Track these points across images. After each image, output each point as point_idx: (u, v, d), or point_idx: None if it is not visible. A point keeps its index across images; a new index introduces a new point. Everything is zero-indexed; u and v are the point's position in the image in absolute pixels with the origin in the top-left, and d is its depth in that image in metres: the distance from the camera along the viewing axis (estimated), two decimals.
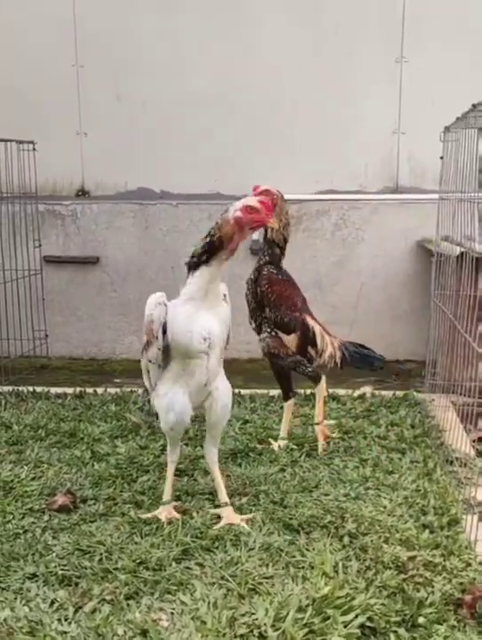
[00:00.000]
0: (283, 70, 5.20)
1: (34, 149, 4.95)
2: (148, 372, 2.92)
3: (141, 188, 5.39)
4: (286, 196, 5.19)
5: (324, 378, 3.68)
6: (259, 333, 3.61)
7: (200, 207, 5.34)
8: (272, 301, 3.52)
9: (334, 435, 3.79)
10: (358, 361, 3.71)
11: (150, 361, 2.85)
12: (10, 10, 5.28)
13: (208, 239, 2.74)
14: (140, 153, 5.30)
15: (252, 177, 5.27)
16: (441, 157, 3.86)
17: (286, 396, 3.74)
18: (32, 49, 5.26)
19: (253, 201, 2.76)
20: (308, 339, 3.60)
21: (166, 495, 2.99)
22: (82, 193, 5.46)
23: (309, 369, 3.61)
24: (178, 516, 2.93)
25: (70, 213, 5.42)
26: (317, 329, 3.64)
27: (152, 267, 5.41)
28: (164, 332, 2.76)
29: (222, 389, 2.96)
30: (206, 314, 2.74)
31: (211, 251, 2.71)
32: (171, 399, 2.85)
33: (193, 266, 2.74)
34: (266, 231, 3.52)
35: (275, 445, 3.66)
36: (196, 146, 5.26)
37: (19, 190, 5.05)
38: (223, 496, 2.99)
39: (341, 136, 5.21)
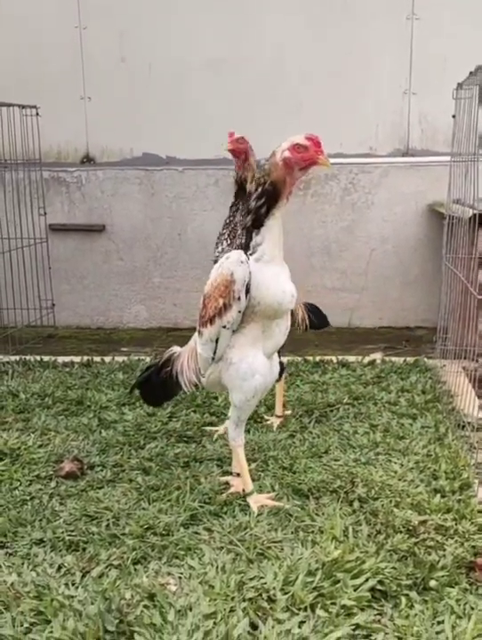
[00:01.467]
0: (290, 30, 5.06)
1: (37, 114, 4.86)
2: (213, 341, 2.68)
3: (147, 153, 5.30)
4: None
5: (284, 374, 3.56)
6: None
7: (207, 172, 5.25)
8: None
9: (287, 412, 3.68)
10: (319, 321, 3.68)
11: (225, 326, 2.63)
12: None
13: (260, 189, 2.51)
14: (145, 118, 5.20)
15: (259, 141, 5.17)
16: (453, 116, 3.74)
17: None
18: (33, 11, 5.14)
19: (299, 138, 2.53)
20: None
21: (248, 485, 2.77)
22: (87, 159, 5.37)
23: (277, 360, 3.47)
24: (276, 503, 2.73)
25: (75, 180, 5.34)
26: None
27: (159, 234, 5.34)
28: (246, 292, 2.54)
29: (276, 361, 2.82)
30: (284, 270, 2.60)
31: (269, 201, 2.49)
32: (251, 362, 2.65)
33: (256, 224, 2.52)
34: (242, 183, 3.36)
35: (271, 421, 3.57)
36: (202, 110, 5.15)
37: (22, 157, 4.97)
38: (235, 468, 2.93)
39: (349, 97, 5.08)
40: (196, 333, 2.81)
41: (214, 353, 2.72)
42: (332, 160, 5.29)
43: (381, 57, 5.04)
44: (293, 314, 3.41)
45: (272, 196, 2.50)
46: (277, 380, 3.39)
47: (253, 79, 5.12)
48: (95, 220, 5.39)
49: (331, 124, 5.10)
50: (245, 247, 2.59)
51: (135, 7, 5.11)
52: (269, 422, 3.55)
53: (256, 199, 2.52)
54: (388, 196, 5.14)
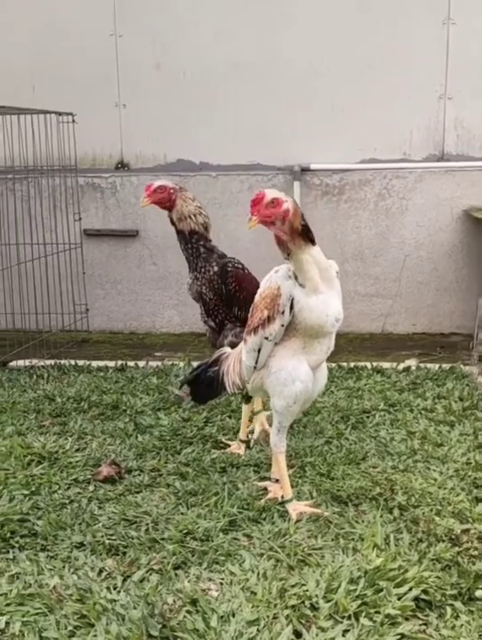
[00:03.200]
0: (324, 36, 5.05)
1: (73, 121, 4.91)
2: (256, 350, 2.72)
3: (181, 159, 5.32)
4: (328, 166, 5.16)
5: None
6: (219, 331, 3.35)
7: (240, 178, 5.25)
8: (242, 300, 3.24)
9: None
10: None
11: (267, 338, 2.67)
12: None
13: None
14: (179, 124, 5.22)
15: (293, 147, 5.20)
16: None
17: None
18: (70, 19, 5.20)
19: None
20: None
21: (287, 493, 2.76)
22: (121, 165, 5.41)
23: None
24: (315, 510, 2.70)
25: (110, 186, 5.38)
26: None
27: None
28: (291, 308, 2.59)
29: (324, 371, 2.85)
30: (332, 294, 2.63)
31: (280, 246, 2.57)
32: (292, 370, 2.67)
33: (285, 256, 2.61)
34: (175, 226, 3.29)
35: (234, 448, 3.31)
36: (235, 116, 5.16)
37: (59, 163, 5.03)
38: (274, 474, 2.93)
39: (384, 103, 5.06)
40: (243, 339, 2.84)
41: (256, 362, 2.76)
42: (366, 165, 5.31)
43: (416, 61, 5.01)
44: None
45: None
46: (247, 403, 3.33)
47: (287, 84, 5.12)
48: (129, 226, 5.43)
49: (365, 128, 5.09)
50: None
51: (170, 15, 5.14)
52: (229, 449, 3.29)
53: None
54: (422, 202, 5.11)
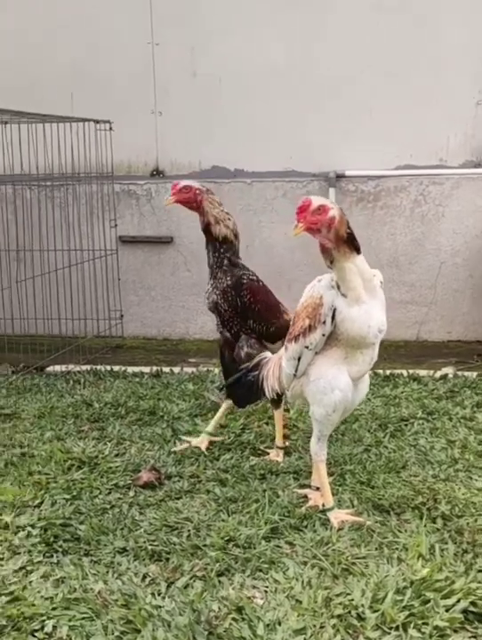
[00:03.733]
0: (360, 42, 5.04)
1: (110, 129, 4.95)
2: (296, 359, 2.72)
3: (215, 166, 5.34)
4: (363, 172, 5.14)
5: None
6: (235, 342, 3.30)
7: (275, 185, 5.26)
8: (257, 313, 3.24)
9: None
10: None
11: (307, 347, 2.67)
12: None
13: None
14: (214, 131, 5.24)
15: (328, 154, 5.19)
16: None
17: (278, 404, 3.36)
18: (108, 28, 5.26)
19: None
20: None
21: (329, 501, 2.75)
22: (156, 172, 5.45)
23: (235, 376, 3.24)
24: (357, 519, 2.68)
25: (145, 193, 5.42)
26: None
27: None
28: (332, 317, 2.59)
29: (366, 381, 2.85)
30: (375, 304, 2.62)
31: (324, 254, 2.57)
32: (332, 379, 2.66)
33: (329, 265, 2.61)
34: (207, 228, 3.24)
35: (272, 454, 3.29)
36: (270, 122, 5.17)
37: (96, 170, 5.08)
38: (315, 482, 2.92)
39: (420, 108, 5.03)
40: (283, 346, 2.84)
41: (296, 370, 2.76)
42: (401, 172, 5.28)
43: (453, 67, 4.98)
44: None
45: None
46: (276, 408, 3.32)
47: (323, 90, 5.11)
48: (164, 232, 5.46)
49: (401, 134, 5.06)
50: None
51: (206, 23, 5.17)
52: (268, 457, 3.27)
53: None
54: (459, 208, 5.06)
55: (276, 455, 3.29)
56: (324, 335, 2.64)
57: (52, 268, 4.97)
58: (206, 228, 3.26)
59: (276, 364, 2.94)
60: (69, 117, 4.73)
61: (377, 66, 5.05)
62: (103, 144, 4.99)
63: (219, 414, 3.47)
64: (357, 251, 2.55)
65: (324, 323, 2.61)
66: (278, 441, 3.35)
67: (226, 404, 3.45)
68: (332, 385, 2.68)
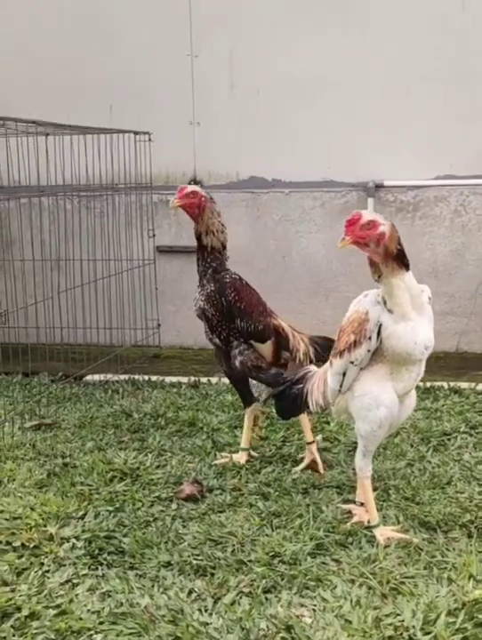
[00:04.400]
0: (399, 51, 5.00)
1: (149, 140, 4.98)
2: (341, 374, 2.70)
3: (253, 176, 5.33)
4: (402, 182, 5.10)
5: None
6: (226, 347, 3.29)
7: (313, 195, 5.24)
8: (243, 310, 3.21)
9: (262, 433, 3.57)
10: (329, 354, 3.21)
11: (352, 362, 2.66)
12: (126, 1, 5.34)
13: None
14: (252, 141, 5.24)
15: (367, 164, 5.15)
16: None
17: (248, 403, 3.39)
18: (147, 40, 5.29)
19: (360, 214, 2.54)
20: (281, 342, 3.30)
21: (374, 518, 2.72)
22: (194, 182, 5.45)
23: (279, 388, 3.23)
24: (404, 536, 2.64)
25: None
26: (287, 328, 3.34)
27: (263, 257, 5.36)
28: (378, 334, 2.57)
29: (413, 397, 2.83)
30: (422, 321, 2.59)
31: (372, 268, 2.55)
32: (377, 394, 2.64)
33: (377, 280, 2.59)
34: (197, 236, 3.23)
35: (237, 457, 3.34)
36: (308, 132, 5.15)
37: (134, 181, 5.11)
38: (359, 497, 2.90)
39: (460, 118, 4.97)
40: (329, 361, 2.82)
41: (341, 386, 2.74)
42: (441, 182, 5.23)
43: None
44: (293, 349, 3.32)
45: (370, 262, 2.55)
46: (247, 406, 3.34)
47: (361, 100, 5.08)
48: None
49: (440, 144, 5.01)
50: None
51: (245, 34, 5.18)
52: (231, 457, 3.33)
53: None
54: None
55: (240, 457, 3.32)
56: (369, 351, 2.62)
57: (91, 279, 5.00)
58: (198, 237, 3.26)
59: (321, 379, 2.92)
60: (109, 129, 4.76)
61: (416, 76, 5.01)
62: (142, 155, 5.01)
63: (246, 427, 3.40)
64: (406, 267, 2.52)
65: (369, 338, 2.59)
66: (245, 443, 3.37)
67: (248, 415, 3.40)
68: (377, 401, 2.66)
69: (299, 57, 5.13)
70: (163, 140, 5.14)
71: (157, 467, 3.33)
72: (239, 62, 5.22)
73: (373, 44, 5.04)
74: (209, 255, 3.24)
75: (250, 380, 3.34)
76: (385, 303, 2.56)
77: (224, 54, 5.21)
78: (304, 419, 3.33)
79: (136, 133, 4.92)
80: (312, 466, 3.28)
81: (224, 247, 3.29)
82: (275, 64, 5.16)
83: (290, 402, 3.05)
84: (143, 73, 5.30)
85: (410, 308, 2.55)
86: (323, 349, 3.36)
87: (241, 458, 3.35)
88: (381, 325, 2.56)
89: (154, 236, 5.26)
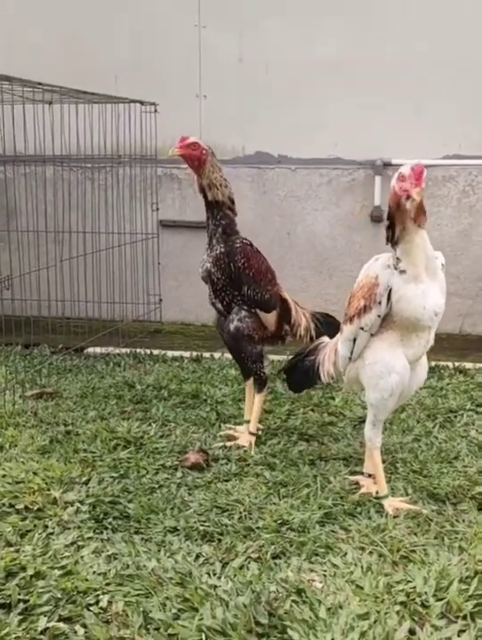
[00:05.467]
0: (409, 30, 4.93)
1: (155, 111, 4.91)
2: (351, 340, 2.66)
3: (259, 151, 5.27)
4: (410, 161, 5.03)
5: (266, 388, 3.31)
6: (227, 313, 3.19)
7: (319, 172, 5.18)
8: (251, 277, 3.11)
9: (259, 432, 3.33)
10: (330, 331, 3.18)
11: (362, 328, 2.62)
12: None
13: (387, 216, 2.52)
14: (259, 116, 5.17)
15: (375, 142, 5.09)
16: None
17: (248, 375, 3.29)
18: (154, 9, 5.20)
19: (405, 167, 2.47)
20: (285, 315, 3.25)
21: (383, 489, 2.70)
22: None
23: (264, 371, 3.22)
24: (413, 507, 2.61)
25: (187, 177, 5.35)
26: (291, 303, 3.28)
27: (268, 233, 5.30)
28: (388, 299, 2.53)
29: (424, 366, 2.79)
30: (433, 286, 2.54)
31: (390, 226, 2.49)
32: (389, 361, 2.60)
33: (391, 242, 2.52)
34: (203, 191, 3.12)
35: (243, 442, 3.16)
36: (316, 109, 5.08)
37: (139, 153, 5.03)
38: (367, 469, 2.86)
39: (469, 98, 4.91)
40: (340, 330, 2.78)
41: (351, 352, 2.69)
42: (449, 161, 5.18)
43: None
44: (295, 324, 3.26)
45: (390, 222, 2.50)
46: (258, 392, 3.23)
47: (370, 79, 5.01)
48: (204, 217, 5.37)
49: (449, 124, 4.96)
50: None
51: (255, 7, 5.09)
52: (234, 443, 3.16)
53: (386, 219, 2.53)
54: None
55: (246, 442, 3.16)
56: (379, 316, 2.58)
57: (93, 250, 4.94)
58: (203, 192, 3.15)
59: (332, 349, 2.88)
60: (115, 97, 4.68)
61: (427, 55, 4.94)
62: (147, 127, 4.94)
63: (256, 410, 3.25)
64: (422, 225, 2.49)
65: (379, 303, 2.55)
66: (253, 426, 3.22)
67: (259, 398, 3.26)
68: (388, 368, 2.62)
69: (309, 34, 5.05)
70: (168, 113, 5.06)
71: (161, 436, 3.29)
72: (248, 35, 5.14)
73: (384, 22, 4.97)
74: (218, 212, 3.14)
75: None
76: (398, 263, 2.51)
77: (233, 26, 5.13)
78: (257, 406, 3.23)
79: (142, 103, 4.85)
80: (231, 438, 3.21)
81: (232, 202, 3.17)
82: (285, 40, 5.08)
83: (302, 374, 3.01)
84: (149, 43, 5.22)
85: (424, 270, 2.51)
86: (324, 326, 3.32)
87: (246, 441, 3.17)
88: (391, 289, 2.52)
89: (157, 209, 5.20)
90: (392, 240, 2.52)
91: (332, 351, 2.87)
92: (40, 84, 3.86)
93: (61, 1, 5.33)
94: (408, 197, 2.43)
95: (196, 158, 3.12)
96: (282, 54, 5.09)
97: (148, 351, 4.65)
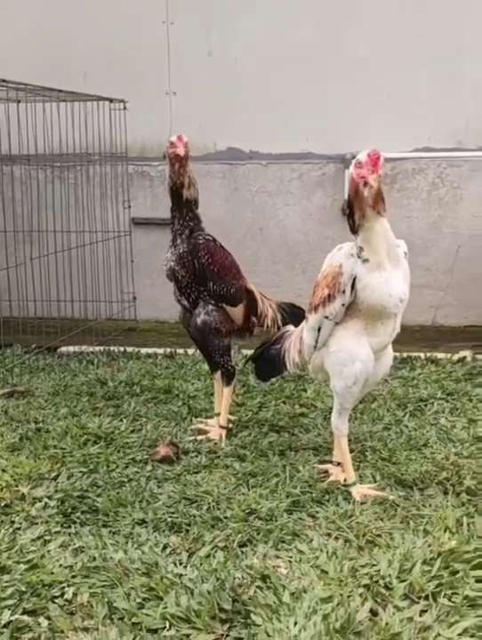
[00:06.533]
0: (379, 24, 4.96)
1: (125, 108, 4.90)
2: (316, 329, 2.68)
3: (231, 147, 5.27)
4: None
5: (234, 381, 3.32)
6: (192, 310, 3.21)
7: (291, 167, 5.19)
8: (216, 273, 3.10)
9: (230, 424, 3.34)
10: (296, 321, 3.18)
11: (327, 317, 2.63)
12: None
13: (347, 204, 2.54)
14: (230, 112, 5.17)
15: (345, 136, 5.12)
16: None
17: (215, 369, 3.31)
18: (122, 6, 5.19)
19: (362, 153, 2.47)
20: (251, 307, 3.27)
21: (351, 476, 2.72)
22: None
23: (231, 364, 3.23)
24: (380, 493, 2.63)
25: (159, 174, 5.36)
26: (257, 294, 3.30)
27: (240, 228, 5.31)
28: (352, 287, 2.54)
29: (390, 354, 2.80)
30: (396, 274, 2.56)
31: (350, 214, 2.51)
32: (352, 350, 2.61)
33: (352, 230, 2.54)
34: (178, 190, 3.07)
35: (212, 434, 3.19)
36: (287, 104, 5.09)
37: (109, 151, 5.02)
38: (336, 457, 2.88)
39: (438, 91, 4.95)
40: (305, 319, 2.80)
41: (316, 341, 2.70)
42: (419, 154, 5.21)
43: (472, 49, 4.90)
44: (261, 315, 3.29)
45: (351, 207, 2.51)
46: (227, 385, 3.24)
47: (340, 73, 5.04)
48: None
49: (418, 116, 4.99)
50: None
51: (223, 2, 5.10)
52: (205, 437, 3.17)
53: (347, 207, 2.55)
54: (478, 191, 4.99)
55: (217, 435, 3.17)
56: (343, 305, 2.59)
57: (64, 248, 4.92)
58: (177, 190, 3.09)
59: (297, 337, 2.90)
60: (85, 95, 4.67)
61: (396, 49, 4.97)
62: (117, 124, 4.93)
63: (225, 404, 3.25)
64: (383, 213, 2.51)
65: (343, 292, 2.57)
66: (223, 419, 3.22)
67: (227, 391, 3.26)
68: (352, 356, 2.63)
69: (277, 27, 5.06)
70: (138, 111, 5.06)
71: (132, 431, 3.29)
72: (217, 30, 5.14)
73: (353, 16, 5.00)
74: (188, 212, 3.12)
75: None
76: (360, 255, 2.53)
77: (202, 22, 5.13)
78: (226, 400, 3.24)
79: (111, 100, 4.84)
80: (202, 432, 3.23)
81: (197, 201, 3.16)
82: (254, 33, 5.09)
83: (269, 363, 3.03)
84: (118, 40, 5.20)
85: (386, 258, 2.53)
86: (290, 316, 3.33)
87: (216, 435, 3.18)
88: (355, 278, 2.54)
89: (129, 207, 5.19)
90: (353, 229, 2.53)
91: (297, 339, 2.88)
92: (5, 81, 3.84)
93: (30, 1, 5.30)
94: (366, 184, 2.44)
95: (185, 157, 3.10)
96: (250, 48, 5.10)
97: (121, 349, 4.64)
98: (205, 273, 3.12)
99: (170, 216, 3.19)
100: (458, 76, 4.94)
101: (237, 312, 3.23)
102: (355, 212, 2.50)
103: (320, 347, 2.74)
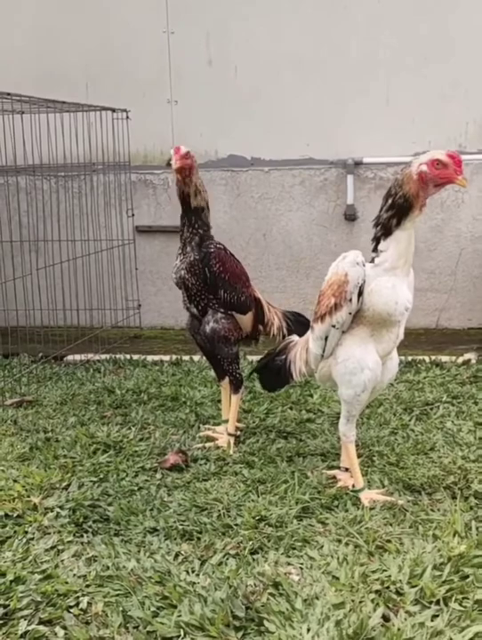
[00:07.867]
0: (379, 29, 5.00)
1: (127, 118, 4.93)
2: (323, 339, 2.70)
3: (232, 155, 5.31)
4: (381, 159, 5.11)
5: (243, 389, 3.34)
6: (201, 317, 3.22)
7: (292, 173, 5.22)
8: (227, 282, 3.13)
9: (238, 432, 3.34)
10: (301, 329, 3.22)
11: (334, 326, 2.65)
12: None
13: (390, 201, 2.51)
14: (231, 119, 5.21)
15: (346, 141, 5.15)
16: None
17: (222, 376, 3.35)
18: (123, 17, 5.24)
19: (440, 154, 2.49)
20: (259, 315, 3.29)
21: (359, 482, 2.73)
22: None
23: (239, 372, 3.26)
24: (389, 498, 2.65)
25: (162, 182, 5.40)
26: (264, 303, 3.33)
27: (243, 235, 5.34)
28: (359, 295, 2.56)
29: (395, 360, 2.82)
30: (404, 282, 2.58)
31: (399, 213, 2.49)
32: (360, 358, 2.63)
33: (384, 233, 2.54)
34: (186, 199, 3.10)
35: (220, 440, 3.21)
36: (288, 110, 5.13)
37: (112, 160, 5.06)
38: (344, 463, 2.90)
39: (439, 95, 4.98)
40: (310, 328, 2.82)
41: (323, 351, 2.73)
42: None
43: (471, 53, 4.93)
44: (268, 323, 3.31)
45: (403, 208, 2.51)
46: (235, 393, 3.26)
47: (340, 78, 5.07)
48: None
49: (419, 121, 5.03)
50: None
51: (222, 11, 5.14)
52: (213, 444, 3.19)
53: (386, 210, 2.53)
54: (479, 194, 5.02)
55: (225, 442, 3.18)
56: (350, 313, 2.61)
57: (69, 257, 4.95)
58: (184, 199, 3.13)
59: (303, 347, 2.91)
60: (87, 105, 4.71)
61: (396, 54, 5.01)
62: (120, 133, 4.97)
63: (233, 411, 3.27)
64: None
65: (350, 300, 2.59)
66: (231, 427, 3.24)
67: (235, 399, 3.28)
68: (361, 364, 2.66)
69: (277, 34, 5.10)
70: (140, 119, 5.10)
71: (141, 439, 3.31)
72: (216, 39, 5.18)
73: (352, 22, 5.03)
74: (197, 219, 3.14)
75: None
76: (378, 254, 2.55)
77: (201, 31, 5.17)
78: (234, 408, 3.26)
79: (114, 110, 4.88)
80: (210, 439, 3.25)
81: (208, 208, 3.19)
82: (253, 41, 5.13)
83: (274, 374, 3.04)
84: (119, 50, 5.25)
85: (403, 264, 2.55)
86: (294, 324, 3.36)
87: (225, 442, 3.19)
88: (362, 285, 2.56)
89: (132, 215, 5.22)
90: (393, 229, 2.51)
91: (303, 349, 2.90)
92: (9, 94, 3.88)
93: (31, 11, 5.35)
94: (445, 183, 2.47)
95: (190, 167, 3.10)
96: (250, 56, 5.14)
97: (127, 356, 4.67)
98: (217, 281, 3.14)
99: (180, 223, 3.22)
100: (458, 80, 4.97)
101: (246, 320, 3.26)
102: (412, 211, 2.48)
103: (327, 356, 2.76)
